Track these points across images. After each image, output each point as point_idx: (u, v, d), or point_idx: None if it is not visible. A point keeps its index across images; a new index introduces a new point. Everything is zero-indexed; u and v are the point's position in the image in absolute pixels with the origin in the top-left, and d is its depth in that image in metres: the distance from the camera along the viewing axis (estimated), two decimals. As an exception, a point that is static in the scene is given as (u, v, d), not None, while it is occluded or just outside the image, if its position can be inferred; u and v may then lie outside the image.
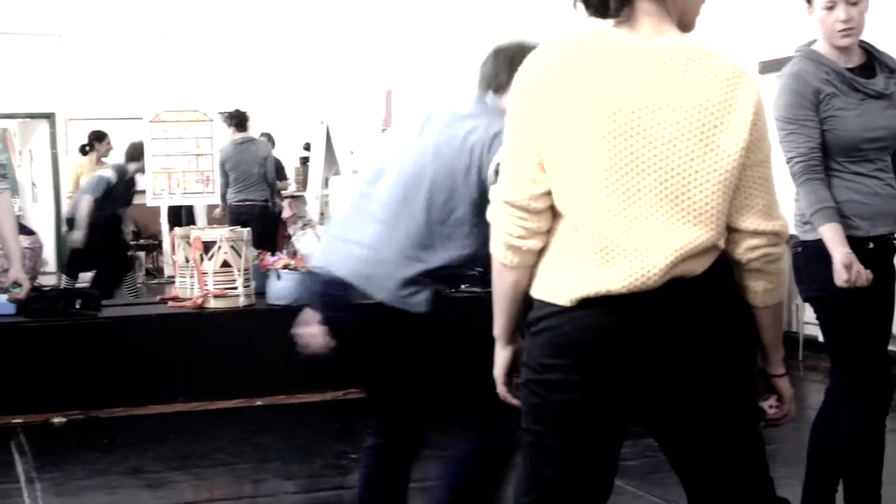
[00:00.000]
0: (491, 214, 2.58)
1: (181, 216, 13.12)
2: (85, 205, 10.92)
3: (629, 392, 2.48)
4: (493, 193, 2.58)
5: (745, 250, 2.51)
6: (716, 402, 2.52)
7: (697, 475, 2.61)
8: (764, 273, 2.54)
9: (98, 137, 12.69)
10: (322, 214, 13.91)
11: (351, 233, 3.60)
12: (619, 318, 2.43)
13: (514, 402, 2.70)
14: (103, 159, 12.76)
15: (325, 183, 14.38)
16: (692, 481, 2.63)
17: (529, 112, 2.48)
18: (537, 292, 2.53)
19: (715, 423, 2.53)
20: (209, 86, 14.59)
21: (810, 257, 3.95)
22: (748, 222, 2.49)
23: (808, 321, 8.00)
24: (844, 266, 3.76)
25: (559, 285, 2.47)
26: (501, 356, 2.75)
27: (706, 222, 2.43)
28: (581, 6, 2.52)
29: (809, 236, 3.95)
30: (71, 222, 11.33)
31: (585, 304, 2.43)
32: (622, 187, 2.41)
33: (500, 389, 2.77)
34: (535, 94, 2.47)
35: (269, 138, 13.30)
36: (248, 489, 5.63)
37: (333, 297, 3.63)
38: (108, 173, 11.42)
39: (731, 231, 2.51)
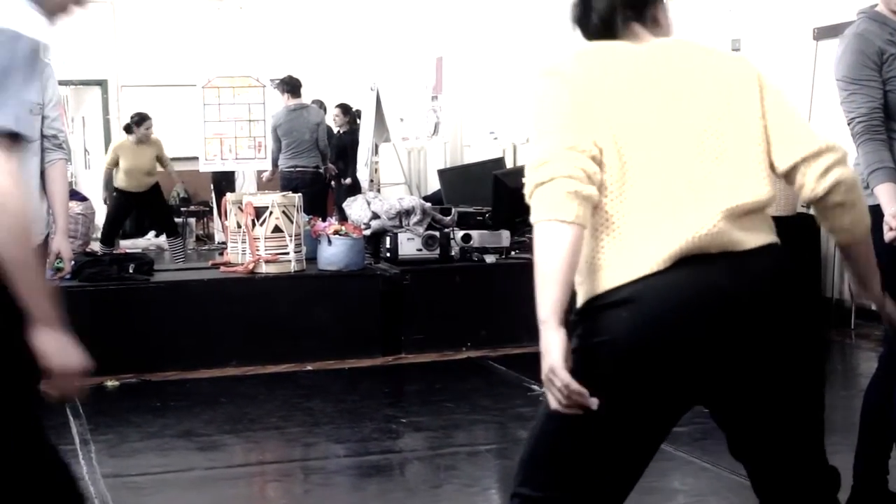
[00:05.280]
0: (543, 170, 2.43)
1: (221, 184, 13.16)
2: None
3: (702, 370, 2.45)
4: (548, 148, 2.44)
5: (816, 179, 2.50)
6: (786, 381, 2.50)
7: (756, 451, 2.61)
8: (847, 205, 2.54)
9: (137, 122, 12.54)
10: (372, 181, 13.96)
11: None
12: (692, 282, 2.41)
13: (584, 393, 2.31)
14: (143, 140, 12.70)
15: (375, 149, 14.42)
16: (749, 455, 2.63)
17: (581, 102, 2.49)
18: (608, 280, 2.45)
19: (781, 403, 2.51)
20: (261, 52, 14.64)
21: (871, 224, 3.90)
22: (796, 152, 2.51)
23: (860, 290, 7.92)
24: (893, 217, 3.71)
25: (628, 266, 2.43)
26: (558, 339, 2.33)
27: (748, 176, 2.48)
28: (579, 30, 2.69)
29: (868, 202, 3.89)
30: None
31: (636, 285, 2.40)
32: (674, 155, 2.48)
33: (564, 377, 2.31)
34: (582, 88, 2.51)
35: (321, 105, 13.33)
36: (298, 452, 5.66)
37: None
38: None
39: (794, 172, 2.52)
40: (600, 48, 2.60)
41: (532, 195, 2.44)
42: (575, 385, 2.31)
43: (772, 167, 2.53)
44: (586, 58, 2.58)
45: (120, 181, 12.22)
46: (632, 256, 2.42)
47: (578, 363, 2.38)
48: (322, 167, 11.87)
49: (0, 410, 2.45)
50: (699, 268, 2.40)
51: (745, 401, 2.52)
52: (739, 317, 2.41)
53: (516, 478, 2.59)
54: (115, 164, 12.21)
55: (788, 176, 2.52)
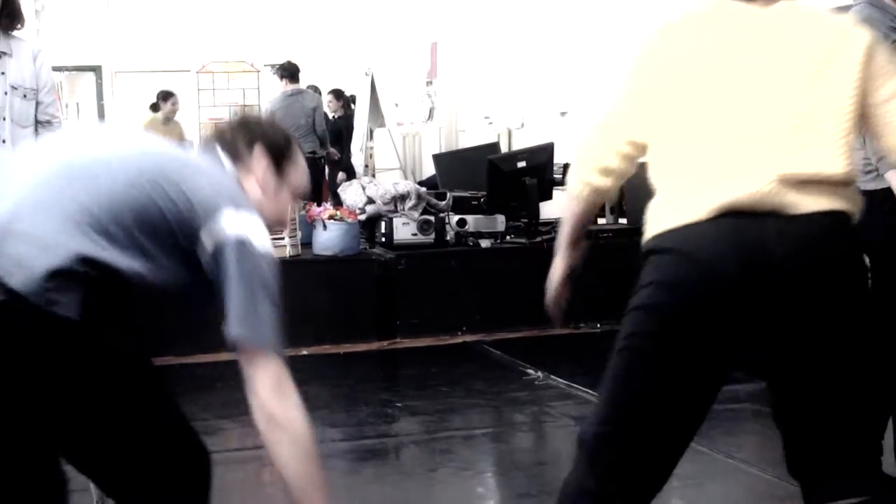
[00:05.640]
0: (579, 148, 2.78)
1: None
2: None
3: (738, 315, 2.49)
4: (595, 122, 2.73)
5: None
6: (825, 348, 2.50)
7: (790, 419, 2.63)
8: None
9: (164, 97, 12.72)
10: (367, 166, 13.95)
11: None
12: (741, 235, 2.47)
13: (556, 311, 2.97)
14: (169, 118, 12.79)
15: (370, 134, 14.40)
16: (784, 422, 2.65)
17: (644, 73, 2.64)
18: (656, 228, 2.58)
19: (817, 372, 2.52)
20: (256, 37, 14.62)
21: (872, 207, 3.90)
22: None
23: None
24: None
25: (682, 212, 2.52)
26: (562, 258, 2.96)
27: (820, 148, 2.50)
28: None
29: (871, 185, 3.90)
30: None
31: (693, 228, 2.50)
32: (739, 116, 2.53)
33: (552, 291, 2.97)
34: (665, 55, 2.63)
35: (316, 90, 13.32)
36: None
37: None
38: None
39: None
40: (710, 11, 2.66)
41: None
42: (553, 292, 2.97)
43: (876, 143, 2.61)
44: (689, 21, 2.68)
45: None
46: (679, 207, 2.52)
47: (632, 305, 2.58)
48: (318, 152, 11.87)
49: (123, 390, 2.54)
50: (744, 221, 2.45)
51: (781, 362, 2.55)
52: (777, 274, 2.43)
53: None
54: None
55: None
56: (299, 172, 2.81)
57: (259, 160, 2.71)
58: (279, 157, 2.75)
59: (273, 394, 2.58)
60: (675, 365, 2.51)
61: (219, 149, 2.69)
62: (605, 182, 2.73)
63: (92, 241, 2.37)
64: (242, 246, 2.49)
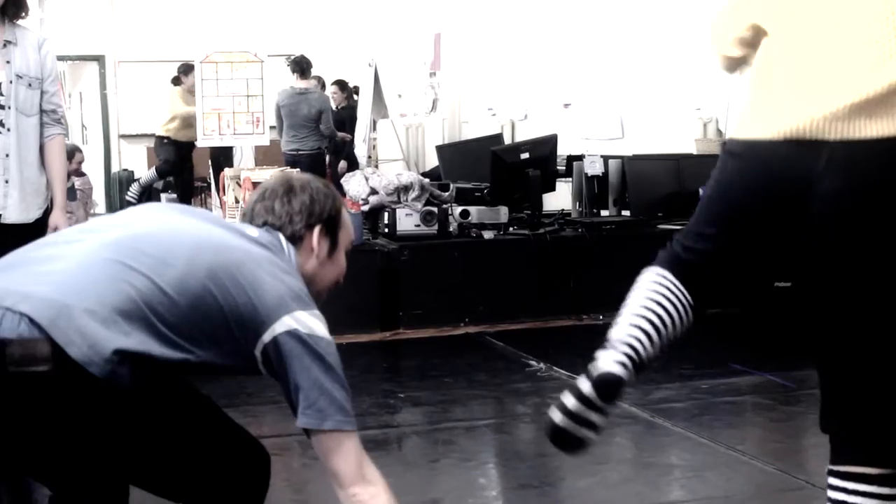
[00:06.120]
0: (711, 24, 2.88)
1: (219, 159, 13.21)
2: None
3: (785, 236, 2.58)
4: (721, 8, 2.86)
5: None
6: (867, 291, 2.51)
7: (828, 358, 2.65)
8: None
9: (185, 70, 12.80)
10: (370, 157, 13.95)
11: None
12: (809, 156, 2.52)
13: None
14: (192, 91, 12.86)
15: (374, 125, 14.40)
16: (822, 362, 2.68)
17: None
18: (739, 132, 2.70)
19: (859, 314, 2.53)
20: (259, 27, 14.60)
21: None
22: None
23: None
24: None
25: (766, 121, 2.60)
26: None
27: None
28: None
29: None
30: None
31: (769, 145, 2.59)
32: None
33: None
34: None
35: (319, 80, 13.30)
36: (296, 427, 5.67)
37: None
38: None
39: None
40: None
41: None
42: None
43: None
44: None
45: (174, 131, 12.65)
46: (759, 119, 2.61)
47: (705, 190, 2.80)
48: (325, 149, 11.92)
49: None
50: (804, 148, 2.50)
51: (821, 295, 2.58)
52: (819, 206, 2.48)
53: None
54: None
55: None
56: (349, 231, 2.94)
57: (317, 238, 2.83)
58: (334, 228, 2.87)
59: (360, 484, 2.69)
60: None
61: (281, 237, 2.78)
62: (740, 52, 2.80)
63: (143, 328, 2.48)
64: (303, 337, 2.63)
